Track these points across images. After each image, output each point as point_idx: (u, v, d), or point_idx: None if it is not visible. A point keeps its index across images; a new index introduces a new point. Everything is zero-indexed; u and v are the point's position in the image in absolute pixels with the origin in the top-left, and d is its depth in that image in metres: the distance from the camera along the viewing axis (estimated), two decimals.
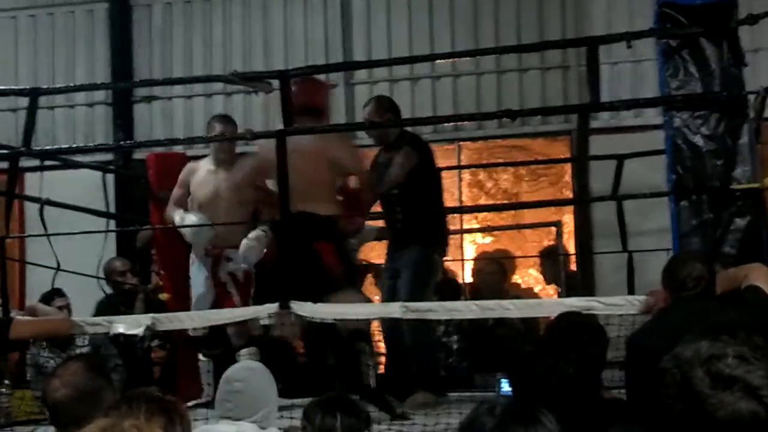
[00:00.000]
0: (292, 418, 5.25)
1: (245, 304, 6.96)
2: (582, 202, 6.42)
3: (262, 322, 6.53)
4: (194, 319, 6.58)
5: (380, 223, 8.02)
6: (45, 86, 9.73)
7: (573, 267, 9.06)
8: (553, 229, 10.24)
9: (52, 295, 7.60)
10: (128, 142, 11.02)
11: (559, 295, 9.45)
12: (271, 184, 6.75)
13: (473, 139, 11.10)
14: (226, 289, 7.11)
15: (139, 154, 10.46)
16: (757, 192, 5.74)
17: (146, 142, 10.80)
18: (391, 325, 6.87)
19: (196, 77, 11.16)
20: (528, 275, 11.09)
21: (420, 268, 6.96)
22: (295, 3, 11.49)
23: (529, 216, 11.17)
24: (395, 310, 6.07)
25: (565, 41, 10.30)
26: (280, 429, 4.77)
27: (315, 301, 6.24)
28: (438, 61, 10.80)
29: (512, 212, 11.42)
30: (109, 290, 8.09)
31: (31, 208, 8.51)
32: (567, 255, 9.14)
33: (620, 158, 8.20)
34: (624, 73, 10.51)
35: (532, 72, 10.94)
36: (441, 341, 8.15)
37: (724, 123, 5.80)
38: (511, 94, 10.82)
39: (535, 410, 2.08)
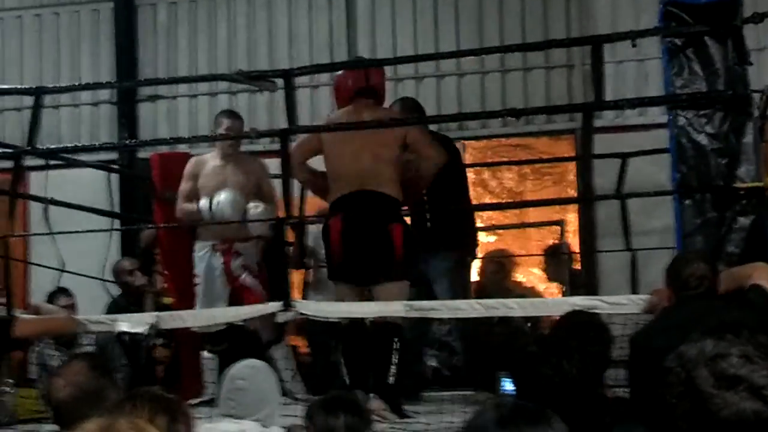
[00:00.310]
0: (294, 416, 5.25)
1: (267, 293, 6.94)
2: (586, 200, 6.40)
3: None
4: (198, 318, 6.58)
5: None
6: (50, 85, 9.75)
7: (577, 266, 9.05)
8: (557, 227, 10.24)
9: (57, 294, 7.61)
10: (133, 141, 11.04)
11: (563, 294, 9.45)
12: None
13: (477, 138, 11.10)
14: (243, 283, 7.06)
15: (143, 154, 10.47)
16: (761, 191, 5.73)
17: (151, 141, 10.82)
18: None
19: (201, 76, 11.19)
20: (532, 274, 11.08)
21: (455, 275, 6.93)
22: (299, 2, 11.50)
23: (533, 215, 11.18)
24: (399, 309, 6.06)
25: (569, 40, 10.30)
26: (282, 428, 4.77)
27: (385, 281, 6.30)
28: (442, 60, 10.80)
29: (516, 211, 11.42)
30: (114, 291, 8.09)
31: (36, 208, 8.53)
32: (571, 254, 9.13)
33: (624, 157, 8.19)
34: (628, 72, 10.51)
35: (536, 71, 10.93)
36: (443, 340, 8.14)
37: (728, 122, 5.79)
38: (516, 93, 10.83)
39: (543, 409, 2.08)
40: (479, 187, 11.55)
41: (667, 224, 6.34)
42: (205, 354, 7.20)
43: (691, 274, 4.72)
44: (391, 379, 6.33)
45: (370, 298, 6.46)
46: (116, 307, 7.78)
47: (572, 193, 10.70)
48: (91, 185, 8.93)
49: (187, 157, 8.48)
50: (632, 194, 7.77)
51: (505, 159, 11.21)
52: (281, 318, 6.32)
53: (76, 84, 10.94)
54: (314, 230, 8.20)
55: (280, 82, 7.09)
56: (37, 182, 8.66)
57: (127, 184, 10.56)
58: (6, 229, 6.97)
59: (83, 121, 11.84)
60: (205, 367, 7.18)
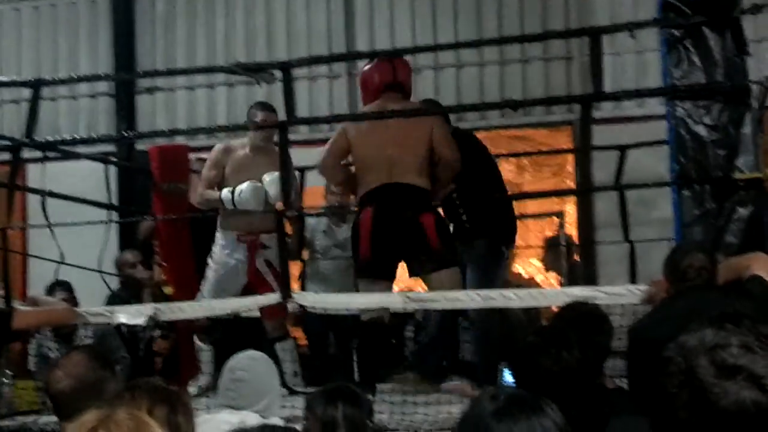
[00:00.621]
0: (293, 407, 5.26)
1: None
2: (584, 192, 6.41)
3: None
4: (197, 309, 6.57)
5: None
6: (48, 77, 9.74)
7: (576, 257, 9.06)
8: (556, 219, 10.26)
9: (56, 287, 7.60)
10: (131, 133, 11.03)
11: (562, 285, 9.47)
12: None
13: (476, 130, 11.03)
14: (263, 277, 6.97)
15: (141, 146, 10.47)
16: (759, 182, 5.73)
17: (149, 133, 10.82)
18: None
19: (199, 68, 11.18)
20: (531, 265, 11.10)
21: (487, 262, 6.91)
22: None
23: (532, 206, 11.19)
24: (398, 300, 6.07)
25: (568, 31, 10.30)
26: (282, 418, 4.78)
27: (419, 274, 6.31)
28: (441, 52, 10.79)
29: (515, 202, 11.42)
30: (112, 283, 8.09)
31: (34, 200, 8.52)
32: (569, 245, 9.15)
33: (623, 148, 8.19)
34: (627, 64, 10.51)
35: (535, 62, 10.93)
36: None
37: (727, 113, 5.80)
38: (514, 84, 10.83)
39: (539, 399, 2.08)
40: None
41: (666, 215, 6.35)
42: (199, 344, 7.16)
43: (690, 265, 4.71)
44: (467, 356, 6.36)
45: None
46: (116, 299, 7.77)
47: (571, 184, 10.71)
48: (89, 177, 8.91)
49: (185, 148, 8.49)
50: (631, 185, 7.77)
51: (503, 151, 11.16)
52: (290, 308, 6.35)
53: (74, 76, 10.92)
54: (311, 222, 8.22)
55: (278, 74, 7.08)
56: (35, 174, 8.66)
57: (125, 176, 10.55)
58: (4, 222, 6.97)
59: (81, 113, 11.84)
60: (201, 356, 7.14)
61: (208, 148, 7.53)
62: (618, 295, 5.54)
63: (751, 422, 1.71)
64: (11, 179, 7.02)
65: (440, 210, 6.67)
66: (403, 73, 6.78)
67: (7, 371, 6.67)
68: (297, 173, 7.80)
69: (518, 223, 7.83)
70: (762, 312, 4.26)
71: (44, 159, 7.62)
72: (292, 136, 7.19)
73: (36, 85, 7.47)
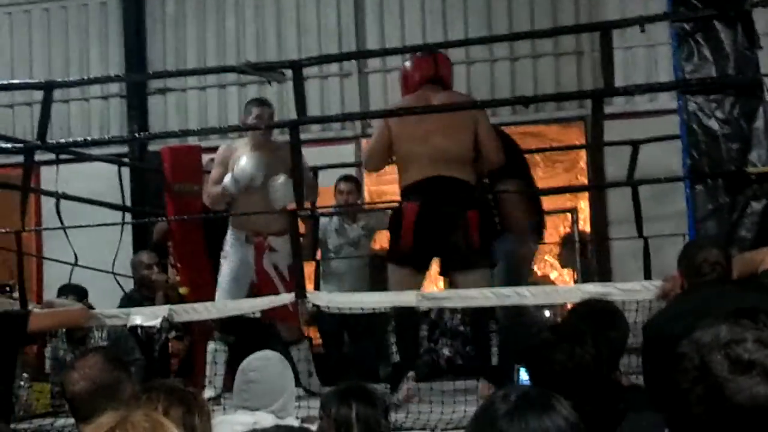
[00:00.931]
0: (309, 407, 5.26)
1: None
2: (597, 188, 6.41)
3: None
4: (211, 310, 6.58)
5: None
6: (59, 79, 9.76)
7: (589, 253, 9.04)
8: (569, 215, 10.23)
9: (66, 290, 7.57)
10: (143, 134, 11.05)
11: (576, 282, 9.45)
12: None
13: None
14: (269, 279, 6.97)
15: (153, 146, 10.49)
16: None
17: (161, 133, 10.83)
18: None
19: (210, 68, 11.19)
20: (544, 262, 11.08)
21: (514, 258, 6.91)
22: None
23: (545, 203, 11.12)
24: (410, 298, 6.07)
25: (578, 26, 10.28)
26: (298, 418, 4.78)
27: (452, 271, 6.34)
28: (451, 48, 10.78)
29: None
30: (126, 285, 8.10)
31: (48, 203, 8.54)
32: (583, 242, 9.14)
33: (635, 143, 8.17)
34: (638, 58, 10.48)
35: (545, 58, 10.91)
36: (457, 329, 8.16)
37: (738, 106, 5.77)
38: (525, 80, 10.81)
39: (550, 397, 2.08)
40: None
41: (680, 210, 6.33)
42: (213, 346, 7.13)
43: (704, 260, 4.71)
44: (495, 360, 6.36)
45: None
46: (130, 301, 7.79)
47: (583, 180, 10.67)
48: (102, 179, 8.94)
49: (197, 149, 8.50)
50: (644, 181, 7.75)
51: None
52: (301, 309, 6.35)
53: (86, 78, 10.96)
54: (323, 221, 8.23)
55: (288, 72, 7.09)
56: (48, 177, 8.68)
57: (138, 178, 10.57)
58: (18, 224, 6.99)
59: (93, 114, 11.86)
60: (213, 359, 7.10)
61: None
62: (632, 291, 5.53)
63: (766, 417, 1.70)
64: (25, 182, 7.03)
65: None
66: (445, 68, 6.83)
67: (24, 374, 6.70)
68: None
69: None
70: None
71: (57, 161, 7.62)
72: (303, 135, 7.19)
73: (48, 87, 7.49)
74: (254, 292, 6.96)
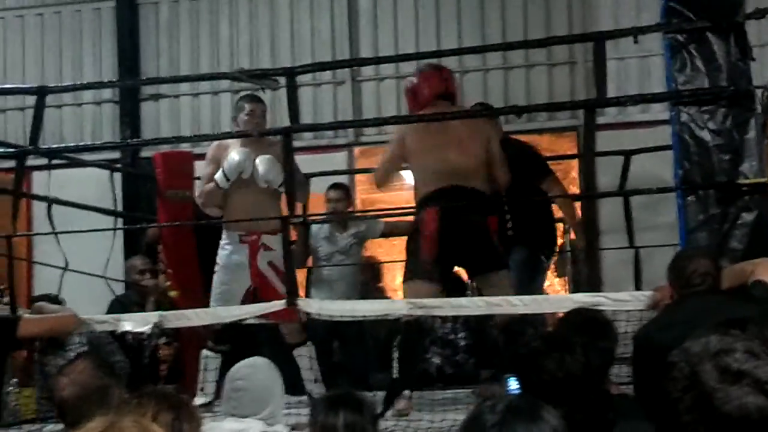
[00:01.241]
0: (299, 414, 5.26)
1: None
2: (589, 197, 6.39)
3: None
4: (202, 317, 6.56)
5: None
6: (52, 85, 9.76)
7: (580, 263, 9.05)
8: (560, 224, 10.23)
9: (43, 299, 7.50)
10: (135, 139, 11.05)
11: (567, 291, 9.45)
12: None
13: None
14: (266, 280, 6.86)
15: (146, 152, 10.48)
16: (764, 187, 5.72)
17: (153, 140, 10.82)
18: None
19: (203, 75, 11.20)
20: None
21: (525, 270, 6.93)
22: (301, 0, 11.50)
23: None
24: (402, 306, 6.06)
25: (571, 37, 10.30)
26: (287, 425, 4.77)
27: (480, 274, 6.37)
28: (444, 57, 10.79)
29: None
30: (117, 290, 8.09)
31: (39, 207, 8.53)
32: (574, 251, 9.13)
33: (627, 154, 8.19)
34: (631, 69, 10.51)
35: (538, 68, 10.94)
36: (447, 338, 8.16)
37: (731, 118, 5.78)
38: (518, 90, 10.83)
39: (538, 407, 2.08)
40: None
41: (671, 221, 6.34)
42: (206, 353, 7.09)
43: (695, 271, 4.71)
44: None
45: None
46: (119, 304, 7.78)
47: (575, 190, 10.69)
48: (94, 184, 8.93)
49: (189, 155, 8.50)
50: (635, 191, 7.77)
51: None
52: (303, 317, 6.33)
53: (79, 83, 10.95)
54: (314, 228, 8.22)
55: (282, 80, 7.09)
56: (40, 181, 8.67)
57: (130, 183, 10.57)
58: (9, 229, 6.98)
59: (86, 120, 11.86)
60: (205, 365, 7.06)
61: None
62: (623, 300, 5.54)
63: (755, 428, 1.71)
64: (16, 186, 7.02)
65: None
66: (453, 84, 6.83)
67: (13, 379, 6.68)
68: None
69: None
70: (766, 317, 4.26)
71: (49, 166, 7.62)
72: (295, 143, 7.18)
73: (40, 92, 7.49)
74: (252, 294, 6.91)
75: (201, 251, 7.80)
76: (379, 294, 9.25)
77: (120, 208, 8.93)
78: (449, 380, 7.85)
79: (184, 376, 7.57)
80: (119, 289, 8.19)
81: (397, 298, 7.94)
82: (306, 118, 10.12)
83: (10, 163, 7.40)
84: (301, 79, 8.71)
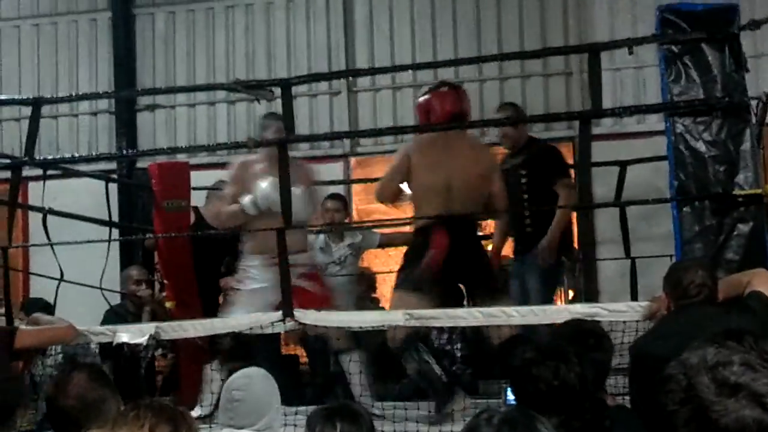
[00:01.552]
0: (295, 425, 5.25)
1: (324, 295, 6.80)
2: (585, 208, 6.40)
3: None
4: (198, 328, 6.55)
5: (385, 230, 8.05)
6: (48, 95, 9.75)
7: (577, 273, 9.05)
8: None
9: (33, 303, 7.48)
10: (131, 150, 11.04)
11: (564, 302, 9.44)
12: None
13: None
14: (302, 289, 6.70)
15: (142, 163, 10.48)
16: (759, 198, 5.73)
17: (149, 150, 10.81)
18: None
19: (199, 86, 11.21)
20: None
21: (548, 274, 6.94)
22: (297, 11, 11.52)
23: None
24: (399, 317, 6.06)
25: (567, 48, 10.32)
26: None
27: (479, 298, 6.43)
28: (440, 68, 10.81)
29: None
30: (113, 301, 8.08)
31: (35, 218, 8.52)
32: (571, 261, 9.13)
33: (623, 164, 8.19)
34: (626, 80, 10.53)
35: (534, 78, 10.95)
36: (444, 348, 8.15)
37: (726, 128, 5.79)
38: (514, 100, 10.80)
39: (534, 419, 2.08)
40: None
41: (667, 231, 6.34)
42: (210, 372, 7.00)
43: (691, 282, 4.71)
44: None
45: None
46: (114, 314, 7.76)
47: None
48: (89, 195, 8.92)
49: (185, 165, 8.49)
50: (631, 202, 7.77)
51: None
52: (280, 328, 6.31)
53: (75, 94, 10.95)
54: (309, 239, 8.20)
55: (278, 91, 7.09)
56: (35, 192, 8.66)
57: (126, 194, 10.56)
58: (5, 240, 6.97)
59: (82, 130, 11.86)
60: (207, 377, 7.01)
61: (209, 166, 7.53)
62: (619, 311, 5.53)
63: None
64: (12, 197, 7.01)
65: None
66: (467, 104, 6.83)
67: None
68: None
69: None
70: (762, 328, 4.26)
71: (45, 177, 7.60)
72: (292, 153, 7.17)
73: (36, 102, 7.47)
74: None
75: (199, 262, 7.80)
76: (375, 305, 9.24)
77: (115, 218, 8.91)
78: None
79: (181, 387, 7.55)
80: (115, 300, 8.18)
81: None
82: (302, 128, 10.13)
83: (6, 174, 7.38)
84: (297, 89, 8.72)
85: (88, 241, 7.46)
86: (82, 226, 8.12)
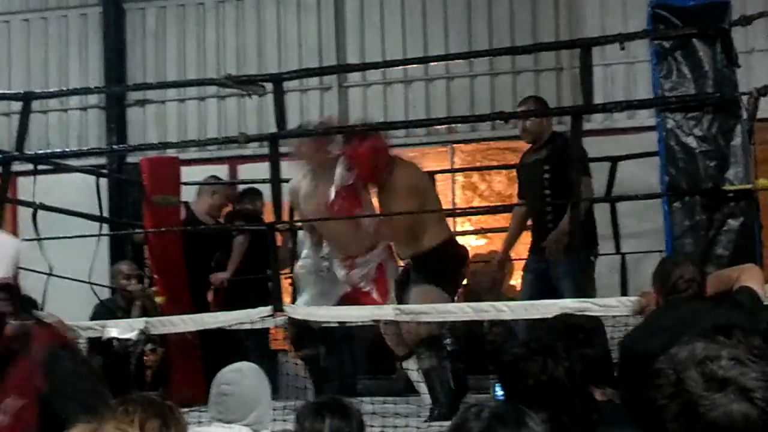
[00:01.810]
0: (285, 420, 5.24)
1: (382, 296, 6.79)
2: (575, 203, 6.40)
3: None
4: (188, 323, 6.54)
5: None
6: (38, 90, 9.73)
7: None
8: None
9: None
10: (122, 145, 11.03)
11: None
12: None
13: (466, 141, 11.11)
14: (361, 289, 6.81)
15: (132, 158, 10.47)
16: (749, 193, 5.74)
17: (140, 145, 10.81)
18: None
19: (190, 81, 11.19)
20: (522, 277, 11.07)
21: (580, 275, 6.90)
22: (288, 6, 11.50)
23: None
24: (388, 312, 6.06)
25: (558, 43, 10.32)
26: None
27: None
28: (431, 63, 10.81)
29: (506, 214, 11.40)
30: (103, 296, 8.06)
31: (25, 213, 8.50)
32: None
33: (614, 160, 8.20)
34: (617, 75, 10.53)
35: (525, 74, 10.95)
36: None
37: (717, 124, 5.80)
38: (505, 96, 10.84)
39: (523, 413, 2.09)
40: (468, 191, 11.56)
41: (657, 227, 6.35)
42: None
43: (680, 277, 4.72)
44: None
45: None
46: (104, 309, 7.75)
47: None
48: (80, 190, 8.90)
49: (176, 161, 8.48)
50: (622, 197, 7.78)
51: (494, 162, 11.20)
52: (269, 323, 6.30)
53: (65, 89, 10.94)
54: (299, 235, 8.19)
55: (269, 86, 7.08)
56: (25, 187, 8.64)
57: (116, 189, 10.55)
58: None
59: (72, 125, 11.83)
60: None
61: (199, 161, 7.52)
62: (609, 306, 5.54)
63: None
64: (1, 192, 7.00)
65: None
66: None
67: None
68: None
69: None
70: (751, 323, 4.27)
71: (35, 172, 7.59)
72: (283, 149, 7.17)
73: (26, 98, 7.46)
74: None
75: (189, 257, 7.80)
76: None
77: (106, 213, 8.90)
78: None
79: (170, 381, 7.54)
80: (105, 294, 8.17)
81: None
82: (293, 124, 10.10)
83: None
84: (288, 85, 8.70)
85: (78, 236, 7.45)
86: (71, 221, 8.10)
